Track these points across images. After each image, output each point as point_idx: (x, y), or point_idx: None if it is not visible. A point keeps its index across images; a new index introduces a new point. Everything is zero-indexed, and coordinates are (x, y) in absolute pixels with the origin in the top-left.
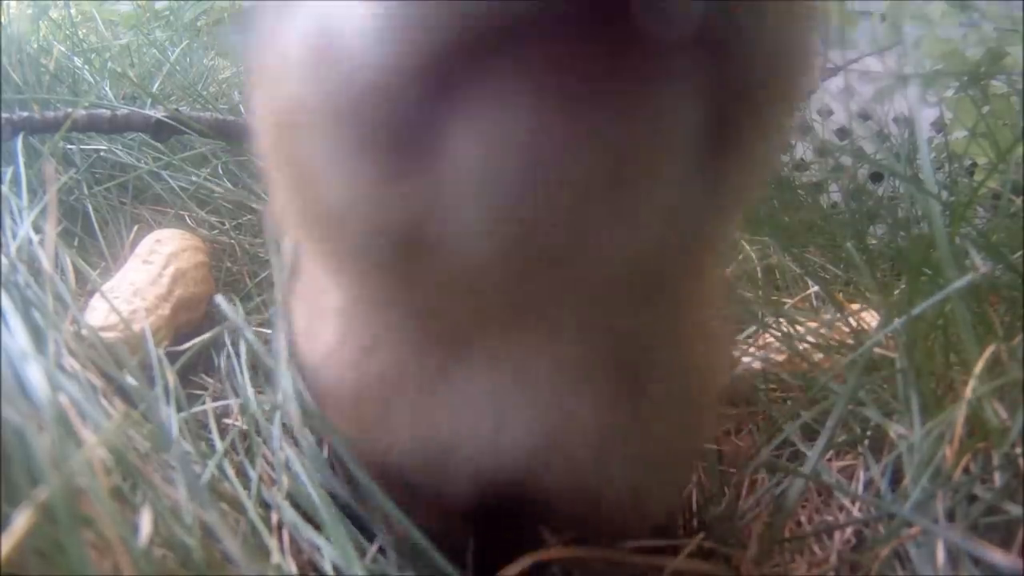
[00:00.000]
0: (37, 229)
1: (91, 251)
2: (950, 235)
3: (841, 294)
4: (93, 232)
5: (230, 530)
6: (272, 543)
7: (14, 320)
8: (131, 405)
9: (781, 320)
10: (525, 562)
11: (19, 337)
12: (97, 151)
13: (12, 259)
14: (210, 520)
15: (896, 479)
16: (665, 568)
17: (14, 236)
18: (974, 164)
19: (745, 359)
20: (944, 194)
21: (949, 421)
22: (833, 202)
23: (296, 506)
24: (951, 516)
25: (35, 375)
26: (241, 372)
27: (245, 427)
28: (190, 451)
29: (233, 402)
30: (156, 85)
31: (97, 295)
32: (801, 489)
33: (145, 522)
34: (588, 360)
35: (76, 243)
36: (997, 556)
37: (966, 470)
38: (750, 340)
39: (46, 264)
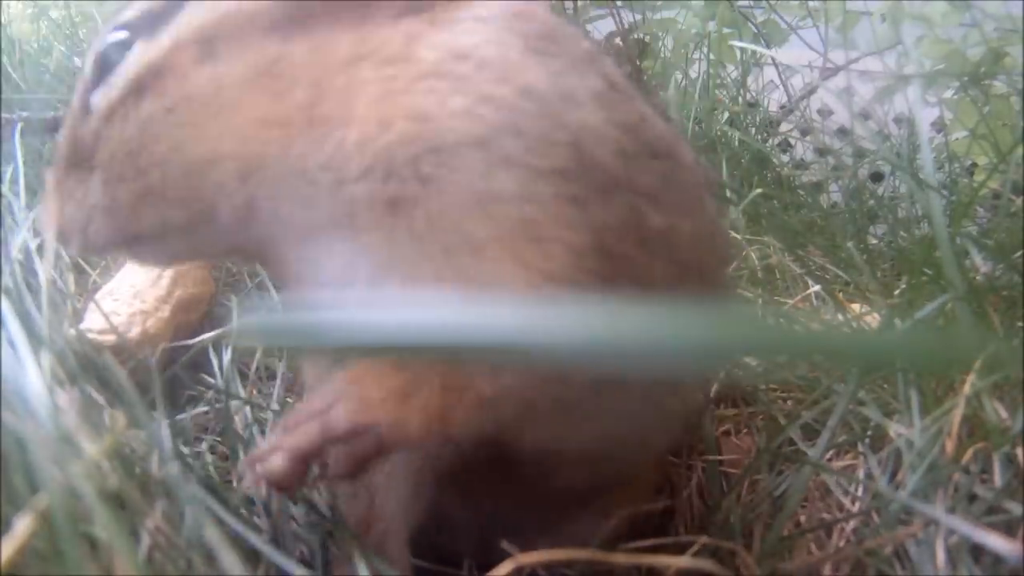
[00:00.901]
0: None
1: None
2: (951, 235)
3: (841, 294)
4: None
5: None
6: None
7: (13, 327)
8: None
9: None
10: (507, 566)
11: (18, 346)
12: None
13: (13, 263)
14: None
15: (896, 479)
16: (667, 568)
17: (13, 234)
18: (974, 164)
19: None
20: (944, 194)
21: (948, 417)
22: (833, 202)
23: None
24: (952, 514)
25: (33, 383)
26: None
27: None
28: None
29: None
30: None
31: (98, 297)
32: (803, 486)
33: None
34: None
35: None
36: (999, 542)
37: (966, 470)
38: None
39: (44, 273)
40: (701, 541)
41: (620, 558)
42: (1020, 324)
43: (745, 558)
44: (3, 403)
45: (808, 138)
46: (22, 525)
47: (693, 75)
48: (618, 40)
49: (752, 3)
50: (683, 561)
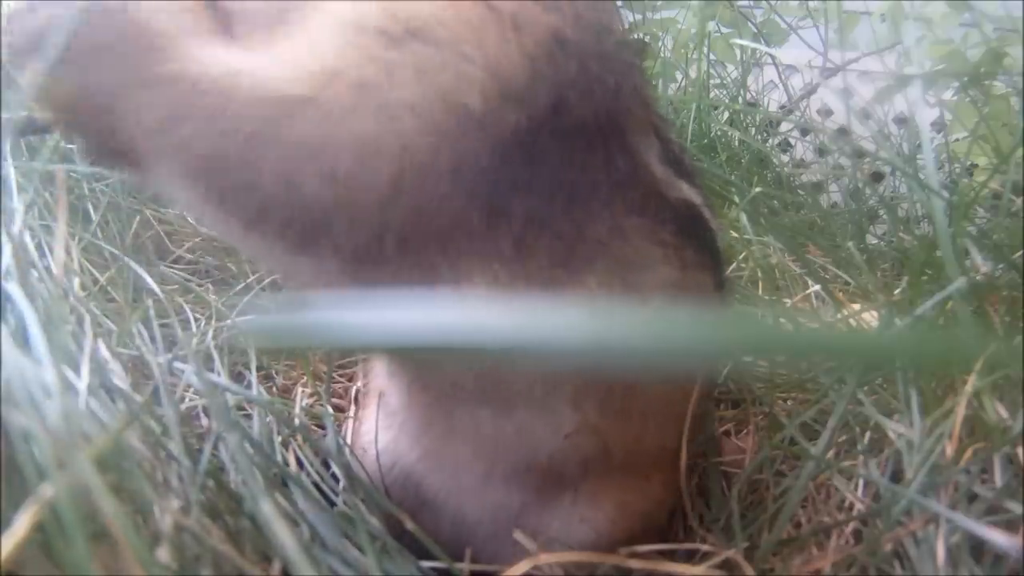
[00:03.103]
0: (30, 228)
1: (90, 249)
2: (952, 235)
3: (841, 294)
4: (93, 229)
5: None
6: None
7: (29, 317)
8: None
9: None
10: (524, 566)
11: (34, 339)
12: None
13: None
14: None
15: (896, 479)
16: (668, 571)
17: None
18: (974, 165)
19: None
20: (945, 195)
21: (949, 415)
22: (833, 202)
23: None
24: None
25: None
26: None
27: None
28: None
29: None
30: None
31: None
32: (803, 486)
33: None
34: None
35: (77, 241)
36: (1000, 538)
37: (966, 470)
38: None
39: (56, 267)
40: (704, 549)
41: (635, 564)
42: (1020, 324)
43: (745, 560)
44: (6, 399)
45: (808, 138)
46: (24, 518)
47: (693, 75)
48: None
49: (752, 3)
50: (687, 566)
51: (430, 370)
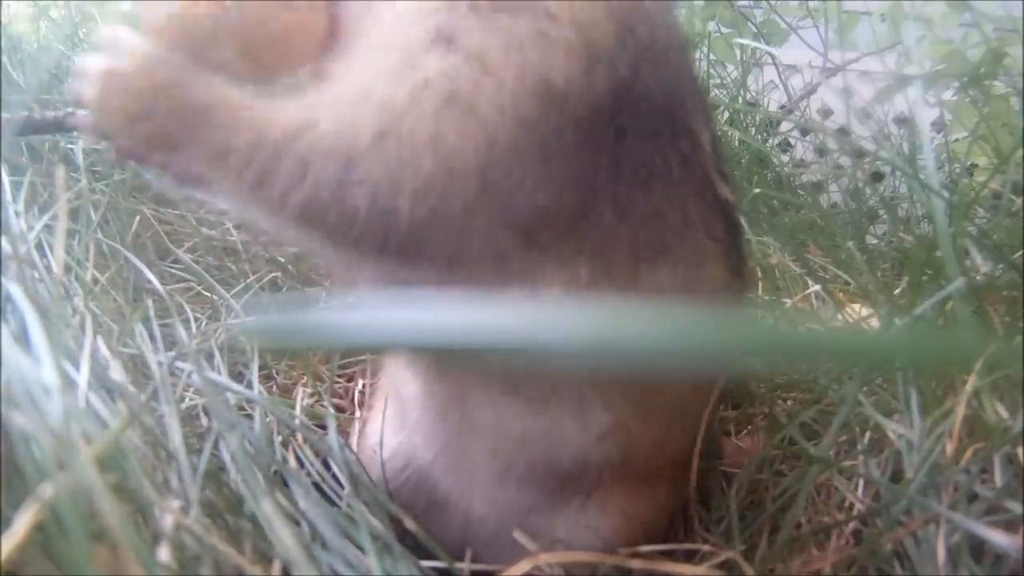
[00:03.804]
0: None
1: (90, 248)
2: (953, 235)
3: (841, 294)
4: (94, 229)
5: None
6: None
7: (30, 317)
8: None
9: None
10: (525, 566)
11: (35, 340)
12: (96, 149)
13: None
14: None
15: (896, 479)
16: (668, 571)
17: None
18: (974, 165)
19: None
20: (945, 195)
21: (949, 415)
22: (833, 202)
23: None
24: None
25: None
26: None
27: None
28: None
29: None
30: None
31: None
32: (807, 486)
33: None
34: None
35: (77, 240)
36: (1000, 538)
37: (966, 470)
38: None
39: (56, 267)
40: (704, 549)
41: (636, 564)
42: (1020, 324)
43: (745, 560)
44: (7, 400)
45: (808, 138)
46: (24, 518)
47: None
48: None
49: (752, 3)
50: (687, 566)
51: (452, 361)
